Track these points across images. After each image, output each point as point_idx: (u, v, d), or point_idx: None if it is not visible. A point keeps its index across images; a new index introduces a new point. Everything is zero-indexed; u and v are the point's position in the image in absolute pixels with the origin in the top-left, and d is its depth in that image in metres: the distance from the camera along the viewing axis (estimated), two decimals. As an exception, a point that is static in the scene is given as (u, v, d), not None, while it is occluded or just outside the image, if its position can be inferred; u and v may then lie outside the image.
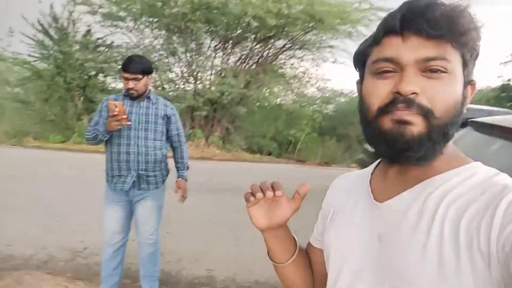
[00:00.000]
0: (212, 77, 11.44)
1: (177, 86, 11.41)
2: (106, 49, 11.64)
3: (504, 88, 11.41)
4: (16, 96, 11.98)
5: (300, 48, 11.78)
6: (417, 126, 0.50)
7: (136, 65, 2.12)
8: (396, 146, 0.51)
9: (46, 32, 11.04)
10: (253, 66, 11.72)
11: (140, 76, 2.13)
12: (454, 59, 0.50)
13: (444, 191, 0.51)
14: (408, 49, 0.50)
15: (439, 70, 0.49)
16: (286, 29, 10.29)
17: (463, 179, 0.51)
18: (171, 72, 11.55)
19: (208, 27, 10.57)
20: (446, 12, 0.49)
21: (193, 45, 11.10)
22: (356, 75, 0.64)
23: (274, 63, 12.17)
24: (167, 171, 2.41)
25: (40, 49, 11.23)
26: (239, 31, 10.90)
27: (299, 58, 12.32)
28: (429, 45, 0.49)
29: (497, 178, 0.50)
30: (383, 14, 0.59)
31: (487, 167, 0.53)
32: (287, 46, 11.62)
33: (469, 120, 1.99)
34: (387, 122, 0.51)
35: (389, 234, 0.54)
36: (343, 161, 11.11)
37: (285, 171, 8.39)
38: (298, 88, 12.99)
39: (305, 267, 0.77)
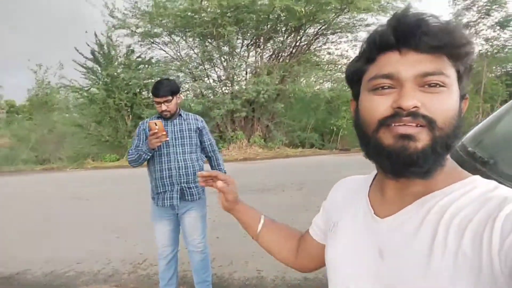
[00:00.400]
0: (248, 76, 11.53)
1: (215, 91, 11.67)
2: (147, 66, 12.31)
3: None
4: (74, 121, 13.13)
5: (333, 33, 11.40)
6: (421, 141, 0.49)
7: (164, 88, 2.25)
8: (400, 161, 0.51)
9: (95, 60, 11.98)
10: (288, 59, 11.57)
11: (170, 98, 2.26)
12: (451, 74, 0.51)
13: (444, 206, 0.50)
14: (407, 65, 0.51)
15: (437, 84, 0.50)
16: (317, 15, 9.99)
17: (463, 193, 0.50)
18: (209, 78, 11.85)
19: (238, 28, 10.65)
20: (442, 26, 0.50)
21: (226, 48, 11.28)
22: None
23: (308, 51, 11.91)
24: None
25: (90, 75, 12.21)
26: (269, 26, 10.83)
27: (333, 42, 11.94)
28: (427, 59, 0.50)
29: (497, 191, 0.49)
30: None
31: (486, 180, 0.52)
32: (319, 32, 11.32)
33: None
34: (388, 137, 0.51)
35: (391, 251, 0.54)
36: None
37: (327, 162, 8.22)
38: (335, 74, 12.59)
39: (279, 237, 0.89)
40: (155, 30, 11.15)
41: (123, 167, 10.13)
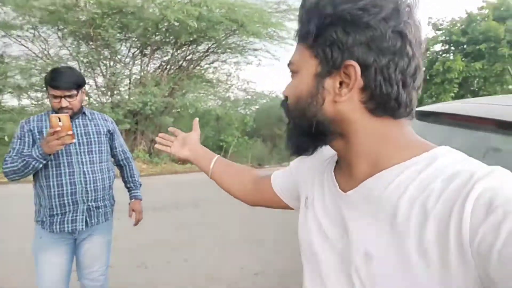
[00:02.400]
0: (132, 86, 10.66)
1: (92, 99, 10.33)
2: (2, 63, 9.97)
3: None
4: None
5: (224, 52, 11.70)
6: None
7: (68, 79, 1.73)
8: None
9: None
10: (176, 72, 11.26)
11: (75, 92, 1.76)
12: (300, 60, 0.56)
13: (404, 182, 0.47)
14: None
15: (292, 71, 0.58)
16: (208, 33, 10.07)
17: (425, 166, 0.47)
18: (88, 85, 10.44)
19: (122, 33, 9.82)
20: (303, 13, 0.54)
21: (106, 53, 10.21)
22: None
23: (198, 67, 11.88)
24: (114, 200, 2.06)
25: None
26: (158, 37, 10.37)
27: (222, 61, 12.25)
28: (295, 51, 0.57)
29: (463, 164, 0.46)
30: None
31: (454, 151, 0.49)
32: (210, 50, 11.44)
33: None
34: None
35: (353, 228, 0.53)
36: (271, 161, 11.34)
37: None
38: (223, 92, 12.91)
39: (230, 171, 0.97)
40: (14, 22, 9.24)
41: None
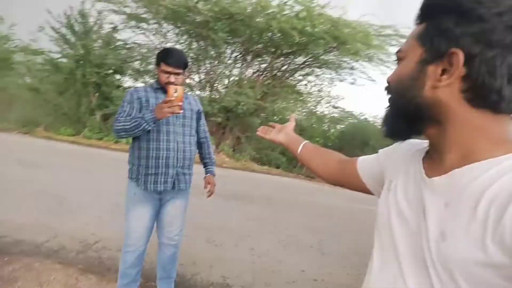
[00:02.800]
0: (229, 86, 11.48)
1: (193, 92, 11.43)
2: (127, 48, 11.75)
3: None
4: (30, 86, 12.02)
5: (320, 67, 11.80)
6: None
7: (179, 59, 1.96)
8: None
9: (71, 27, 11.20)
10: (270, 79, 11.74)
11: (182, 71, 1.97)
12: (408, 47, 0.60)
13: (490, 178, 0.48)
14: None
15: (398, 58, 0.61)
16: (308, 47, 10.31)
17: (509, 168, 0.48)
18: (189, 78, 11.61)
19: (230, 37, 10.66)
20: None
21: (213, 53, 11.19)
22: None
23: (291, 78, 12.19)
24: (193, 170, 2.26)
25: (62, 42, 11.38)
26: (260, 44, 10.97)
27: (316, 75, 12.35)
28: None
29: None
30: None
31: None
32: (306, 63, 11.67)
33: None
34: None
35: (433, 212, 0.54)
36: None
37: (294, 186, 8.24)
38: (312, 105, 12.99)
39: (314, 156, 1.04)
40: (144, 15, 10.79)
41: (78, 143, 9.40)
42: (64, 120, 11.26)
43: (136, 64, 11.44)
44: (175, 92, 1.78)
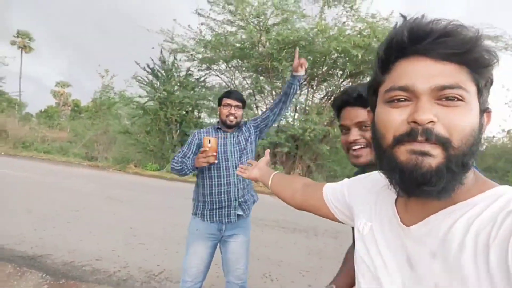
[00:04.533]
0: (297, 113, 11.57)
1: (262, 123, 11.77)
2: (202, 88, 12.91)
3: None
4: (124, 128, 13.92)
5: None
6: (436, 157, 0.48)
7: (238, 94, 2.19)
8: (412, 179, 0.49)
9: (155, 75, 12.82)
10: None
11: (241, 105, 2.18)
12: (470, 88, 0.49)
13: (471, 218, 0.48)
14: (422, 77, 0.49)
15: (455, 98, 0.49)
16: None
17: (488, 205, 0.48)
18: (257, 108, 12.07)
19: (294, 66, 10.84)
20: (462, 33, 0.48)
21: (278, 83, 11.50)
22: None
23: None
24: (257, 196, 2.33)
25: (148, 88, 13.04)
26: (325, 68, 10.93)
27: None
28: (445, 70, 0.49)
29: None
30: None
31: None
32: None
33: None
34: (403, 153, 0.51)
35: (419, 261, 0.53)
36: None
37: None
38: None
39: (283, 186, 1.05)
40: (214, 57, 11.73)
41: (162, 178, 10.38)
42: (151, 156, 12.63)
43: (209, 102, 12.41)
44: (209, 142, 1.94)
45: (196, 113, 13.32)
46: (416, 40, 0.50)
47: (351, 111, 1.04)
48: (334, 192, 0.85)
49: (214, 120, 12.74)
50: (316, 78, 11.31)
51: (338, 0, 9.98)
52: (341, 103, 1.07)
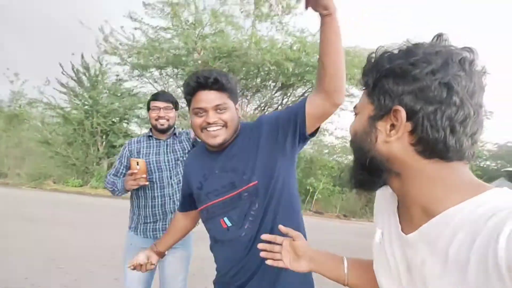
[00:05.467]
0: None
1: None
2: (133, 97, 12.20)
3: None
4: (42, 138, 12.45)
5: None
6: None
7: (166, 95, 2.06)
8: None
9: (78, 80, 11.80)
10: (272, 113, 11.83)
11: (171, 106, 2.02)
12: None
13: (455, 227, 0.50)
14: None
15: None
16: (305, 77, 10.45)
17: (472, 210, 0.49)
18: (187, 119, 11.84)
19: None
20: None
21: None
22: None
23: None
24: None
25: (71, 96, 11.93)
26: (258, 79, 11.21)
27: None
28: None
29: (505, 204, 0.47)
30: None
31: (504, 191, 0.51)
32: (306, 94, 11.78)
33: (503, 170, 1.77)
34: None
35: (415, 267, 0.57)
36: (364, 215, 10.59)
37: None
38: (317, 137, 12.91)
39: (365, 273, 0.81)
40: (147, 64, 11.26)
41: (85, 194, 9.48)
42: (73, 171, 11.49)
43: (141, 111, 11.80)
44: (137, 164, 1.80)
45: (124, 124, 12.50)
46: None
47: (208, 94, 1.14)
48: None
49: (145, 131, 12.13)
50: (250, 89, 11.53)
51: (267, 14, 10.37)
52: (197, 86, 1.15)
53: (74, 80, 11.95)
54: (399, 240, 0.62)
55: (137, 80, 12.06)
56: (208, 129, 1.16)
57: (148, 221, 1.96)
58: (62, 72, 11.60)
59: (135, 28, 10.72)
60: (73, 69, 11.82)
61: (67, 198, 8.86)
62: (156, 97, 2.04)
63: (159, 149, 2.02)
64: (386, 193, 0.72)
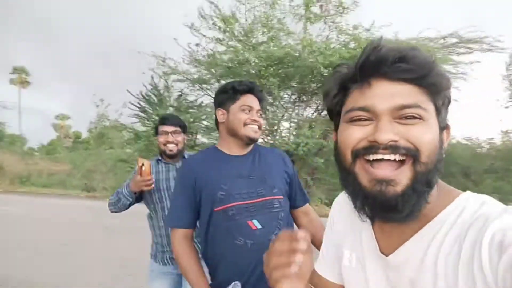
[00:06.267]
0: (291, 129, 11.57)
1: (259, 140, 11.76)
2: (196, 110, 12.94)
3: None
4: (118, 156, 13.89)
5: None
6: (400, 183, 0.48)
7: (174, 119, 2.03)
8: (377, 206, 0.49)
9: (147, 101, 12.91)
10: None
11: (180, 129, 1.99)
12: (427, 106, 0.50)
13: (440, 239, 0.48)
14: (382, 97, 0.50)
15: (414, 117, 0.49)
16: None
17: (455, 219, 0.49)
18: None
19: (282, 81, 10.93)
20: (414, 58, 0.49)
21: (270, 100, 11.54)
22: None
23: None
24: None
25: (141, 114, 13.10)
26: (313, 84, 11.00)
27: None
28: (403, 90, 0.49)
29: (481, 210, 0.47)
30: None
31: (475, 196, 0.51)
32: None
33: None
34: (365, 178, 0.50)
35: None
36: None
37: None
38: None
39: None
40: (205, 77, 11.83)
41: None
42: (147, 183, 12.53)
43: (204, 122, 12.44)
44: (143, 165, 1.77)
45: (190, 135, 13.28)
46: (373, 67, 0.51)
47: (253, 98, 1.38)
48: (323, 258, 0.73)
49: (209, 141, 12.72)
50: (307, 93, 11.37)
51: (319, 16, 10.17)
52: (248, 89, 1.37)
53: (143, 101, 13.10)
54: (377, 262, 0.58)
55: (198, 94, 12.77)
56: (250, 125, 1.35)
57: (166, 249, 1.96)
58: (134, 95, 12.85)
59: (196, 44, 11.35)
60: (141, 92, 12.97)
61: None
62: (164, 121, 2.01)
63: (169, 174, 1.99)
64: (346, 209, 0.68)
